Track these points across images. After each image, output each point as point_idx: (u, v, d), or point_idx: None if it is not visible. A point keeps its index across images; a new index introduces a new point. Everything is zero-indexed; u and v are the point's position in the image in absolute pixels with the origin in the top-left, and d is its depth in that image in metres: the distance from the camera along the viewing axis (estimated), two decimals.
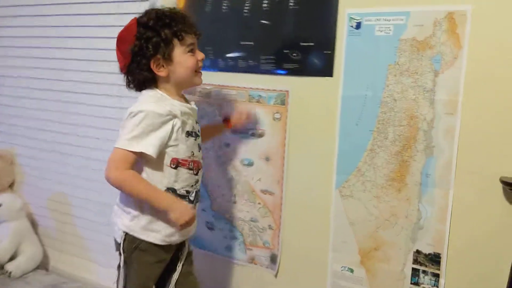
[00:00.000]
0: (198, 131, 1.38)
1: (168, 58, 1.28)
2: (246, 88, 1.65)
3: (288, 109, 1.60)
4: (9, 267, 2.20)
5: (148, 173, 1.29)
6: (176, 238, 1.36)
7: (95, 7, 2.03)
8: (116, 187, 1.26)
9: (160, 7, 1.33)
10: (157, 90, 1.32)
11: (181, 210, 1.28)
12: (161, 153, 1.27)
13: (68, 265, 2.31)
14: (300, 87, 1.57)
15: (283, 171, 1.64)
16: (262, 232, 1.71)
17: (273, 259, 1.70)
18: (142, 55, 1.27)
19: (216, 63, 1.71)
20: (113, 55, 1.33)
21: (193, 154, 1.33)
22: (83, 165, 2.19)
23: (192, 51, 1.31)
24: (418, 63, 1.37)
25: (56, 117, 2.25)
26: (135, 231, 1.31)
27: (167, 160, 1.29)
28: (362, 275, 1.53)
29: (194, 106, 1.38)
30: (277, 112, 1.62)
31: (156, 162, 1.27)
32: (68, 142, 2.24)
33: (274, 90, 1.62)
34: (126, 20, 1.31)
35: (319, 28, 1.51)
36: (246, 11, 1.64)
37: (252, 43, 1.64)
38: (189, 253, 1.48)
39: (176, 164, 1.30)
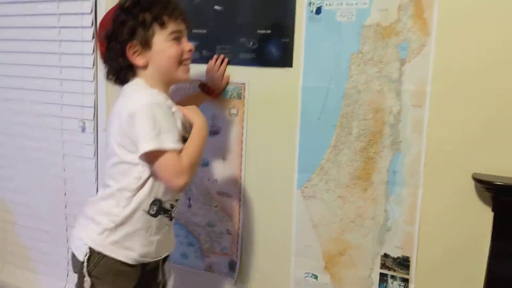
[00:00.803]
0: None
1: (146, 45, 1.12)
2: (201, 81, 1.51)
3: (245, 103, 1.47)
4: None
5: (147, 181, 1.11)
6: (151, 258, 1.18)
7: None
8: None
9: None
10: (139, 79, 1.15)
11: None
12: None
13: (11, 276, 2.12)
14: (258, 79, 1.45)
15: (241, 170, 1.50)
16: (219, 238, 1.58)
17: (232, 266, 1.57)
18: (116, 39, 1.12)
19: None
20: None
21: None
22: (25, 169, 2.00)
23: (177, 39, 1.14)
24: (383, 51, 1.26)
25: None
26: (104, 247, 1.12)
27: None
28: (327, 281, 1.42)
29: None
30: (233, 107, 1.49)
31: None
32: (10, 145, 2.04)
33: (230, 82, 1.48)
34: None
35: (277, 13, 1.39)
36: None
37: (205, 31, 1.50)
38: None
39: None
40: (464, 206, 1.20)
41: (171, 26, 1.13)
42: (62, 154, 1.88)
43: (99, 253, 1.12)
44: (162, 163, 1.06)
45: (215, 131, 1.52)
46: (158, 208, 1.15)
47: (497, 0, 1.13)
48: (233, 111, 1.49)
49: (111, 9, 1.17)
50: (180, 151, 1.07)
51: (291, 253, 1.46)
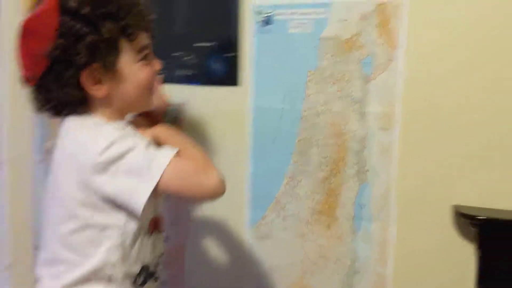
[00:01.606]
0: None
1: (110, 69, 0.81)
2: None
3: (184, 128, 1.24)
4: None
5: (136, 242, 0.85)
6: None
7: None
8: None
9: None
10: (95, 115, 0.86)
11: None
12: None
13: None
14: (198, 100, 1.23)
15: (182, 209, 1.27)
16: None
17: None
18: (68, 62, 0.79)
19: None
20: None
21: None
22: None
23: (146, 57, 0.86)
24: (344, 68, 1.10)
25: None
26: None
27: None
28: None
29: None
30: None
31: None
32: None
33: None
34: None
35: (219, 23, 1.18)
36: None
37: None
38: None
39: None
40: (444, 243, 1.05)
41: (141, 40, 0.84)
42: None
43: None
44: (179, 172, 0.79)
45: None
46: (146, 275, 0.88)
47: (475, 6, 1.00)
48: None
49: (45, 9, 0.79)
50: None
51: None
